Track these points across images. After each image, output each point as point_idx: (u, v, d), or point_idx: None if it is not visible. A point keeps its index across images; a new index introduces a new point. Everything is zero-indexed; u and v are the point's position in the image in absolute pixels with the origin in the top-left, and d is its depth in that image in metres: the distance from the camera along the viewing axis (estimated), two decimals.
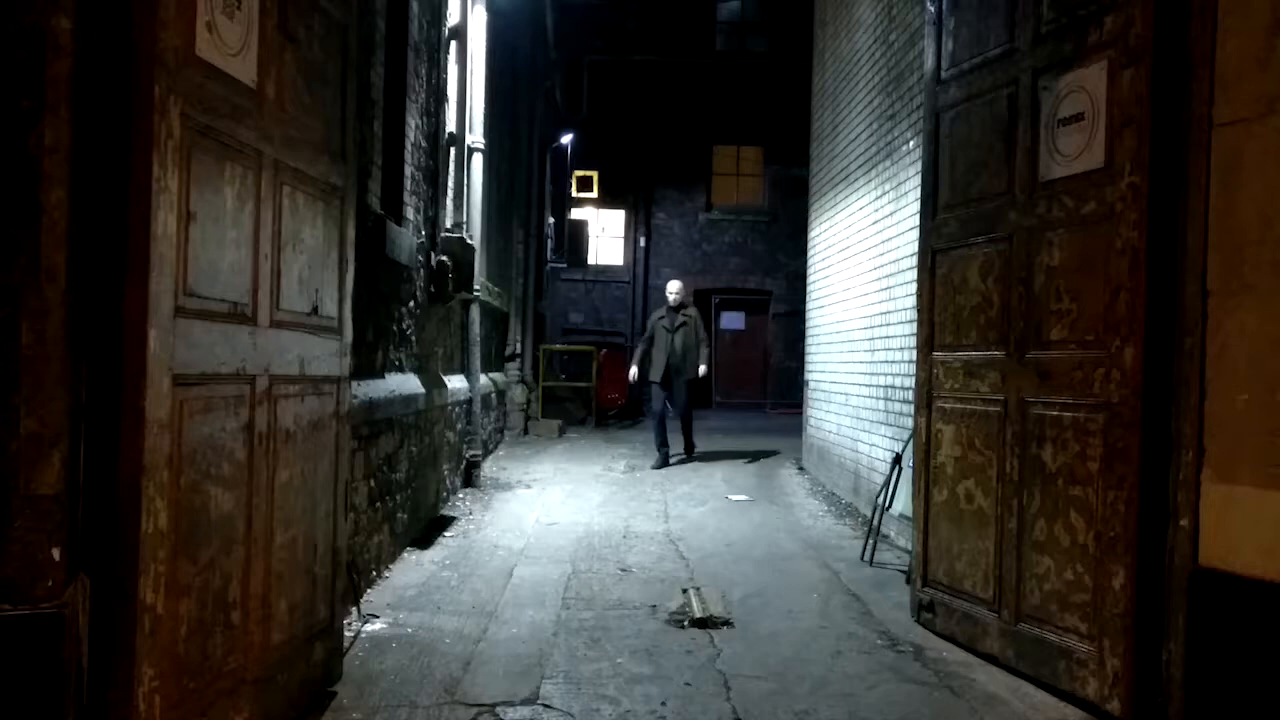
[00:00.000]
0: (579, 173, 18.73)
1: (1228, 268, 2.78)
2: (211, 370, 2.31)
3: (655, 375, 9.41)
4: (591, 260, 19.83)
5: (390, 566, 4.92)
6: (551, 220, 15.73)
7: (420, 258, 5.93)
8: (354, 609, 3.89)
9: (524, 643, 3.78)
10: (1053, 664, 3.37)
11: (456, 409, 7.35)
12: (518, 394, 12.01)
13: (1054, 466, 3.41)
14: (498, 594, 4.50)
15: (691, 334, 9.37)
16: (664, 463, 9.34)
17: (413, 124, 5.64)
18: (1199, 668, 2.82)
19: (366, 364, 4.56)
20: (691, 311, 9.55)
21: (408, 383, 5.44)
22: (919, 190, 4.72)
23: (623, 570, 5.09)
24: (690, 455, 9.86)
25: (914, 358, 4.49)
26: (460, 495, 7.33)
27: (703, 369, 9.40)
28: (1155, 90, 3.03)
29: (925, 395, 4.20)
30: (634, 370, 9.86)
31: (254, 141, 2.49)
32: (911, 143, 5.94)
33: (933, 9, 4.25)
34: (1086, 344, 3.29)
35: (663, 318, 9.53)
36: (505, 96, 10.57)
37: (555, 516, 6.63)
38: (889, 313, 6.41)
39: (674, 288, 9.60)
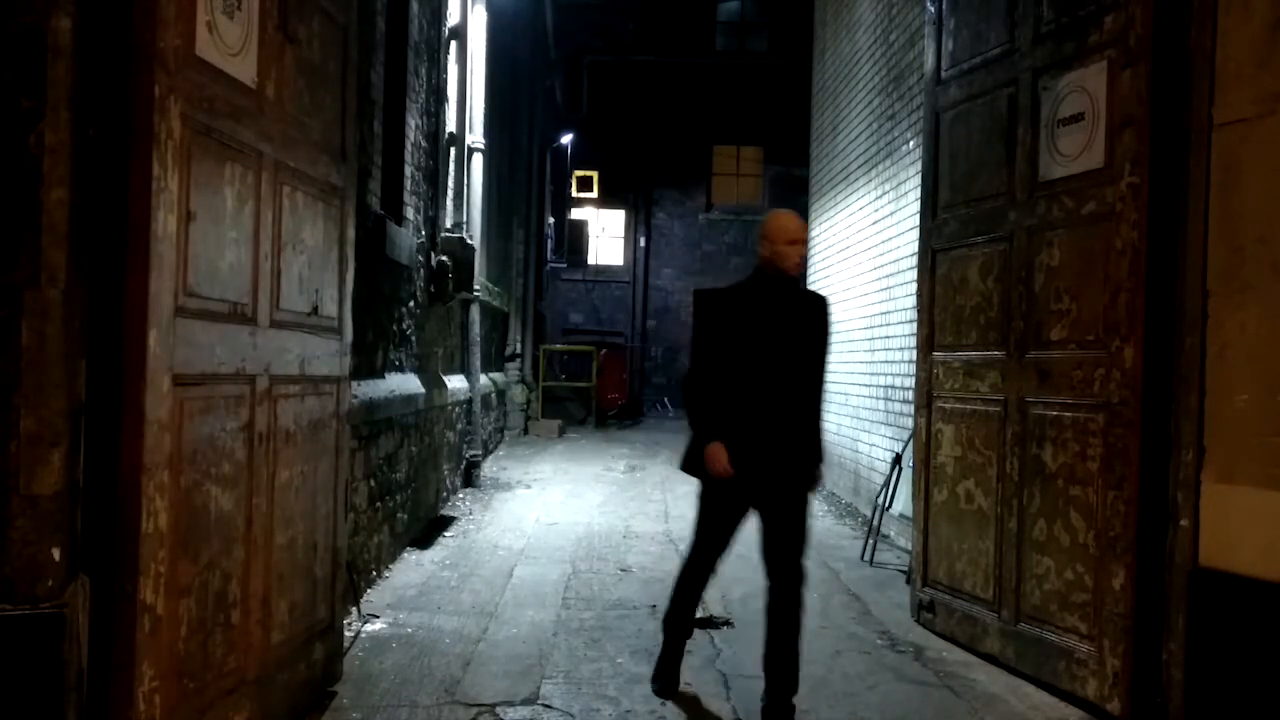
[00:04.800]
0: (579, 173, 18.75)
1: (1228, 268, 2.78)
2: (211, 370, 2.31)
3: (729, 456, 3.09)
4: (591, 260, 19.85)
5: (390, 566, 4.92)
6: (551, 220, 15.74)
7: (420, 258, 5.93)
8: (354, 609, 3.89)
9: (524, 643, 3.77)
10: (1053, 664, 3.37)
11: (456, 409, 7.35)
12: (518, 394, 12.00)
13: (1054, 466, 3.41)
14: (498, 594, 4.50)
15: (815, 349, 3.25)
16: None
17: (413, 124, 5.64)
18: (1199, 668, 2.82)
19: (366, 364, 4.56)
20: (815, 297, 3.39)
21: (408, 383, 5.43)
22: (919, 190, 4.72)
23: (623, 570, 5.08)
24: None
25: (914, 358, 4.49)
26: (460, 495, 7.33)
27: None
28: (1155, 90, 3.03)
29: (925, 395, 4.20)
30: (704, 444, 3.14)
31: (254, 141, 2.48)
32: (911, 143, 5.94)
33: (933, 9, 4.25)
34: (1086, 344, 3.29)
35: (741, 301, 3.23)
36: (505, 96, 10.57)
37: (555, 516, 6.62)
38: (889, 313, 6.41)
39: (790, 226, 3.15)
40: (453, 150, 6.88)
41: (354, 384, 3.68)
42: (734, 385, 3.12)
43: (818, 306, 3.29)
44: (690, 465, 3.23)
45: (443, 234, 6.59)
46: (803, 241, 3.20)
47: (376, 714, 3.01)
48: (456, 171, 6.98)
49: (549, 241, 15.57)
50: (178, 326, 2.14)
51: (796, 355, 3.16)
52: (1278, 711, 2.57)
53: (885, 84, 6.76)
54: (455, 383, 7.23)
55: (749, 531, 3.23)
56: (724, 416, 3.12)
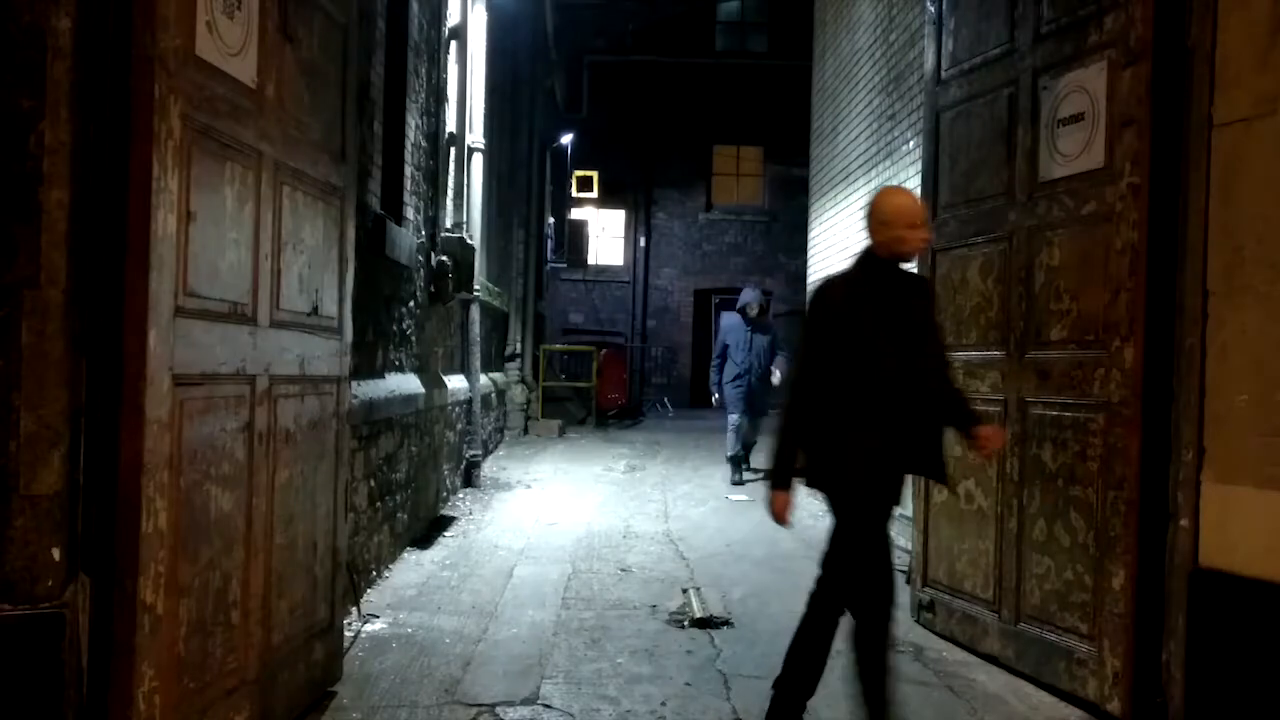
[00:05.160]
0: (579, 173, 18.71)
1: (1228, 268, 2.78)
2: (211, 370, 2.31)
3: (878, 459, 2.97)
4: (591, 260, 19.83)
5: (390, 566, 4.92)
6: (551, 220, 15.72)
7: (420, 258, 5.93)
8: (354, 609, 3.89)
9: (524, 643, 3.78)
10: (1053, 664, 3.37)
11: (456, 409, 7.35)
12: (518, 394, 12.00)
13: (1054, 466, 3.41)
14: (498, 594, 4.50)
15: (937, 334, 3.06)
16: None
17: (413, 124, 5.64)
18: (1199, 668, 2.82)
19: (366, 364, 4.56)
20: (924, 281, 3.44)
21: (408, 383, 5.43)
22: (919, 190, 4.72)
23: (623, 570, 5.08)
24: None
25: None
26: (460, 495, 7.33)
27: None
28: (1155, 90, 3.03)
29: None
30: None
31: (254, 141, 2.48)
32: (911, 143, 5.94)
33: (933, 9, 4.25)
34: (1086, 344, 3.29)
35: (870, 295, 2.84)
36: (505, 96, 10.57)
37: (555, 516, 6.62)
38: None
39: (912, 208, 2.88)
40: (453, 150, 6.88)
41: (354, 384, 3.68)
42: (866, 390, 2.77)
43: (928, 290, 2.94)
44: (820, 479, 2.99)
45: (443, 234, 6.59)
46: (924, 223, 2.84)
47: (376, 714, 3.01)
48: (456, 171, 6.98)
49: (549, 241, 15.54)
50: (178, 326, 2.14)
51: (928, 344, 2.87)
52: (1278, 712, 2.57)
53: (885, 84, 6.76)
54: (455, 383, 7.23)
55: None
56: (819, 446, 2.95)
